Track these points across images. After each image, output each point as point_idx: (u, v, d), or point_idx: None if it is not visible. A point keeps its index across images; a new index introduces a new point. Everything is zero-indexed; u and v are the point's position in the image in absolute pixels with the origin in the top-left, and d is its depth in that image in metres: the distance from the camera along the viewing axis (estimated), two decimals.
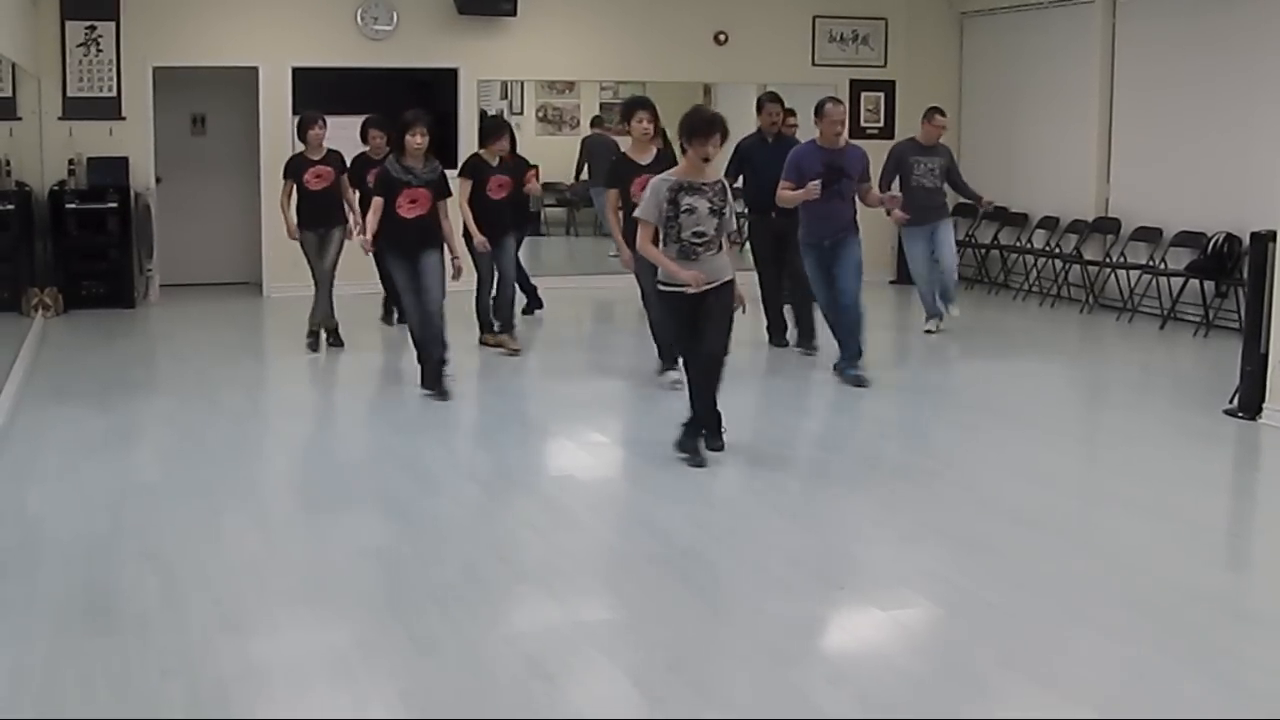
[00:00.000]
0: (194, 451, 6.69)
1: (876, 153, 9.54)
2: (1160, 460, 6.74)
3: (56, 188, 11.01)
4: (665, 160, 7.70)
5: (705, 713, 3.80)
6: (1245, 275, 8.27)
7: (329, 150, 9.16)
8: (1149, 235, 11.01)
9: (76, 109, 11.19)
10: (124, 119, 11.32)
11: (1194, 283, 10.32)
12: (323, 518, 5.69)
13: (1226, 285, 10.18)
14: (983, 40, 13.21)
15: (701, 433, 6.41)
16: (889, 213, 9.43)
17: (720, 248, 6.24)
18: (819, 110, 8.26)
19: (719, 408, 6.44)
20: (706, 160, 6.17)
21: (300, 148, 9.21)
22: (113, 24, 11.21)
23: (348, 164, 9.31)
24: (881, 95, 13.22)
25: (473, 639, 4.29)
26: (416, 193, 7.70)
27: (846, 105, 12.81)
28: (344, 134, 9.63)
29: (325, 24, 11.77)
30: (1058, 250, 11.92)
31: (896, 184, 9.90)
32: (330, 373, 9.00)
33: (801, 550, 5.25)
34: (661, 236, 6.20)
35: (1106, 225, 11.52)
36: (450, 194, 7.92)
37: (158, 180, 11.59)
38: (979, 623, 4.48)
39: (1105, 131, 11.65)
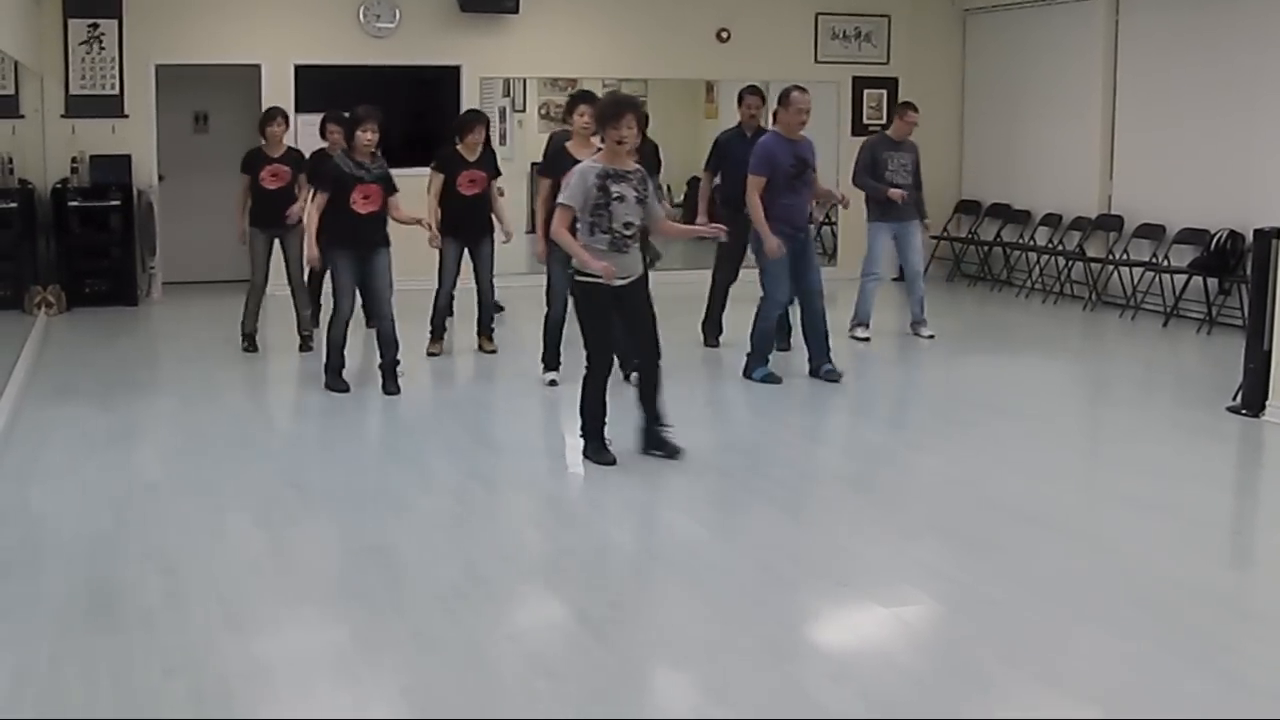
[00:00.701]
0: (196, 450, 6.70)
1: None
2: (1163, 457, 6.73)
3: (59, 185, 11.02)
4: None
5: (707, 710, 3.80)
6: (1248, 272, 8.26)
7: (289, 148, 9.05)
8: (1152, 232, 11.00)
9: (79, 107, 11.21)
10: (126, 117, 11.34)
11: (1197, 280, 10.32)
12: (325, 516, 5.70)
13: (1230, 282, 10.17)
14: (985, 37, 13.20)
15: (658, 430, 6.37)
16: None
17: (639, 241, 6.22)
18: (784, 99, 7.98)
19: (660, 413, 6.37)
20: (621, 143, 6.08)
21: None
22: (115, 22, 11.23)
23: (307, 160, 9.14)
24: (884, 93, 13.20)
25: (475, 637, 4.29)
26: (370, 188, 7.73)
27: (848, 103, 13.01)
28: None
29: (327, 22, 11.78)
30: (1061, 247, 11.92)
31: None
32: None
33: (802, 547, 5.25)
34: (589, 227, 6.10)
35: (1109, 222, 11.51)
36: (397, 190, 7.88)
37: (160, 178, 11.60)
38: (981, 619, 4.48)
39: (1108, 128, 11.64)
